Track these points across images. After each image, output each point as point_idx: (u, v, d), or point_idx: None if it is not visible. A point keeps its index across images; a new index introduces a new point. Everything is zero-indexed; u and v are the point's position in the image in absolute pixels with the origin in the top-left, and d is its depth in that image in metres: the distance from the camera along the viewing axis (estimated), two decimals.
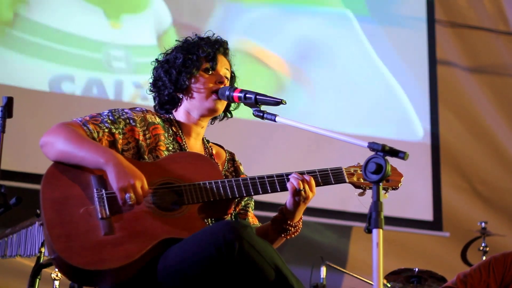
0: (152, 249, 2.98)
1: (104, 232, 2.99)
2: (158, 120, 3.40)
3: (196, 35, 3.57)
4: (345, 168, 3.35)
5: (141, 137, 3.29)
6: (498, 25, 9.16)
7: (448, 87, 8.71)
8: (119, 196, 3.03)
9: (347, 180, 3.35)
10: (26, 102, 6.71)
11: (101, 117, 3.28)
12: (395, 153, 2.61)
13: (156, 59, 3.56)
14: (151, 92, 3.56)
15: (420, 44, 8.57)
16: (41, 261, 4.25)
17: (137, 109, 3.38)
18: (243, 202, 3.53)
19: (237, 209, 3.50)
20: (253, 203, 3.58)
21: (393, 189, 3.41)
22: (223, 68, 3.50)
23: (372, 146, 2.63)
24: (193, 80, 3.45)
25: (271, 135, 7.53)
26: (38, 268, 3.78)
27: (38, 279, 3.83)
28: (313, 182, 3.27)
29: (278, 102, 3.24)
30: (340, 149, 7.27)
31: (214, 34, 3.57)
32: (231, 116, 3.66)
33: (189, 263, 2.89)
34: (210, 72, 3.46)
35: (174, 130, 3.43)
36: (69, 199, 3.05)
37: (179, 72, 3.46)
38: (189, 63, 3.46)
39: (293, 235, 3.40)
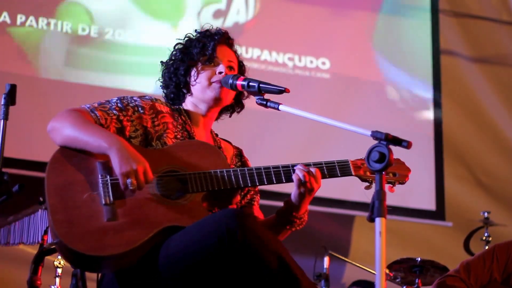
0: (154, 236, 2.99)
1: (107, 218, 2.99)
2: (167, 109, 3.41)
3: (196, 30, 3.58)
4: (351, 161, 3.35)
5: (149, 125, 3.30)
6: (501, 15, 9.14)
7: (451, 77, 8.69)
8: (121, 181, 3.04)
9: (354, 173, 3.34)
10: (30, 89, 6.72)
11: (110, 104, 3.30)
12: (398, 141, 2.60)
13: (161, 61, 3.58)
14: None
15: (423, 34, 8.56)
16: (44, 248, 4.26)
17: (146, 97, 3.40)
18: (249, 196, 3.53)
19: (243, 202, 3.50)
20: (259, 197, 3.58)
21: (400, 183, 3.40)
22: (225, 59, 3.49)
23: (375, 134, 2.63)
24: (193, 73, 3.46)
25: (273, 124, 7.52)
26: (40, 255, 3.78)
27: (41, 267, 3.83)
28: (318, 174, 3.26)
29: (281, 91, 3.23)
30: (344, 138, 7.28)
31: (212, 26, 3.57)
32: (243, 107, 3.65)
33: (191, 251, 2.89)
34: (210, 64, 3.46)
35: (183, 119, 3.44)
36: (73, 185, 3.06)
37: (177, 68, 3.48)
38: (186, 58, 3.47)
39: (298, 227, 3.39)
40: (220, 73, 3.43)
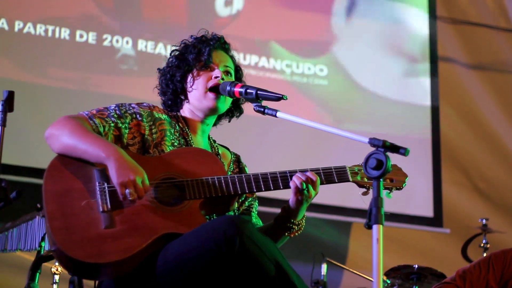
0: (152, 243, 2.99)
1: (105, 225, 2.99)
2: (164, 116, 3.41)
3: (192, 36, 3.57)
4: (349, 167, 3.34)
5: (147, 132, 3.30)
6: (499, 22, 9.16)
7: (449, 84, 8.71)
8: (119, 191, 3.03)
9: (351, 179, 3.33)
10: (28, 96, 6.72)
11: (108, 111, 3.29)
12: (395, 149, 2.60)
13: (158, 68, 3.58)
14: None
15: (421, 40, 8.58)
16: (41, 254, 4.25)
17: (144, 104, 3.39)
18: (246, 203, 3.52)
19: (241, 209, 3.50)
20: (257, 204, 3.58)
21: (397, 189, 3.40)
22: (221, 64, 3.48)
23: (373, 141, 2.63)
24: (189, 79, 3.45)
25: (271, 130, 7.52)
26: (37, 261, 3.77)
27: (38, 273, 3.82)
28: (317, 181, 3.26)
29: (279, 98, 3.23)
30: (342, 145, 7.28)
31: (208, 31, 3.57)
32: (242, 112, 3.65)
33: (189, 258, 2.89)
34: (206, 69, 3.45)
35: (181, 126, 3.43)
36: (71, 192, 3.06)
37: (174, 74, 3.47)
38: (182, 64, 3.47)
39: (296, 233, 3.38)
40: (216, 77, 3.43)
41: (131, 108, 3.33)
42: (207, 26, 3.62)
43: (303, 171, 3.27)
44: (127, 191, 3.03)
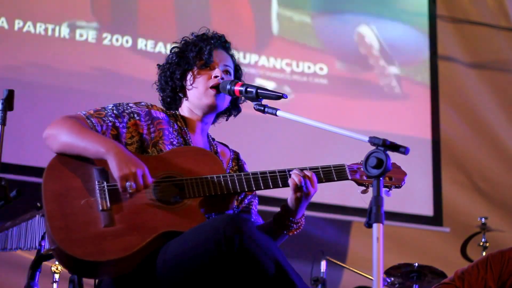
0: (152, 241, 2.98)
1: (105, 224, 2.99)
2: (162, 115, 3.41)
3: (193, 33, 3.57)
4: (348, 165, 3.34)
5: (145, 131, 3.30)
6: (499, 20, 9.16)
7: (449, 83, 8.71)
8: (120, 184, 3.03)
9: (350, 178, 3.33)
10: (28, 95, 6.72)
11: (105, 111, 3.29)
12: (396, 147, 2.60)
13: (157, 64, 3.57)
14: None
15: (421, 40, 8.58)
16: (41, 253, 4.26)
17: (142, 103, 3.39)
18: (246, 200, 3.52)
19: (240, 207, 3.50)
20: (257, 201, 3.57)
21: (396, 187, 3.40)
22: (221, 63, 3.48)
23: (373, 140, 2.63)
24: (189, 77, 3.45)
25: (271, 129, 7.52)
26: (37, 260, 3.78)
27: (38, 272, 3.83)
28: (314, 178, 3.25)
29: (279, 96, 3.23)
30: (342, 143, 7.28)
31: (209, 30, 3.57)
32: (240, 111, 3.64)
33: (189, 257, 2.88)
34: (207, 68, 3.45)
35: (179, 125, 3.43)
36: (70, 191, 3.06)
37: (173, 72, 3.47)
38: (182, 62, 3.46)
39: (295, 232, 3.37)
40: (216, 77, 3.43)
41: (128, 107, 3.33)
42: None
43: (302, 170, 3.27)
44: (127, 183, 3.02)
